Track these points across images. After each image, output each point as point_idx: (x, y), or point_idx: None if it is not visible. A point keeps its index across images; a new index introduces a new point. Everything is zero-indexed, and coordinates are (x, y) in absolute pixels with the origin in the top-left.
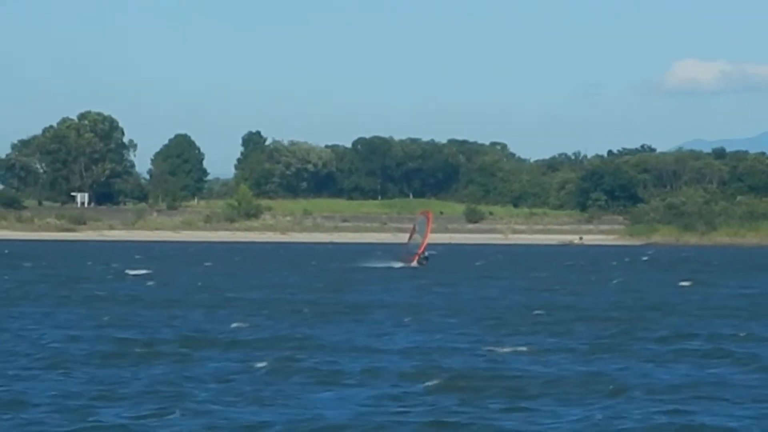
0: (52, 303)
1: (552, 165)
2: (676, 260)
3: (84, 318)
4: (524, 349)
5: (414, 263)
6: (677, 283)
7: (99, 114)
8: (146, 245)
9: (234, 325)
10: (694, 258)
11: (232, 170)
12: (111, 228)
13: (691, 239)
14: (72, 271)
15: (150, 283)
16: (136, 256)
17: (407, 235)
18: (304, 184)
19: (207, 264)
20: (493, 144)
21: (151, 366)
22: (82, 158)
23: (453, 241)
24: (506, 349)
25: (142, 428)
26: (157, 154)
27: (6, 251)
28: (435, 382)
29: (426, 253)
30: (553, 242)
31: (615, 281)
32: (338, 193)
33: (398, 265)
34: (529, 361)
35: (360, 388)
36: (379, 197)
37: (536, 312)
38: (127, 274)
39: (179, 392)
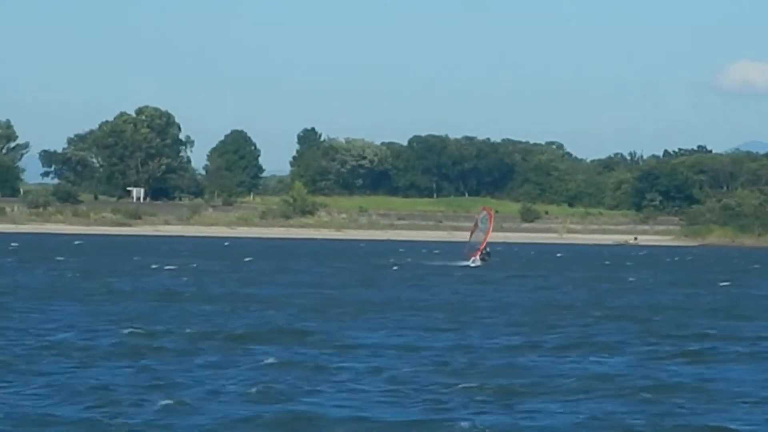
0: (68, 297)
1: (608, 165)
2: (720, 261)
3: (90, 312)
4: (522, 345)
5: (477, 259)
6: (718, 283)
7: (156, 109)
8: (198, 240)
9: (247, 320)
10: (745, 258)
11: (288, 167)
12: (166, 223)
13: (747, 241)
14: (106, 265)
15: (185, 278)
16: (183, 251)
17: (461, 233)
18: (360, 181)
19: (247, 259)
20: (549, 143)
21: (154, 360)
22: (138, 153)
23: (508, 240)
24: (513, 346)
25: (147, 425)
26: (213, 149)
27: (51, 245)
28: (437, 379)
29: (488, 249)
30: (608, 242)
31: (651, 281)
32: (394, 191)
33: (463, 263)
34: (528, 359)
35: (361, 384)
36: (435, 195)
37: (561, 311)
38: (161, 269)
39: (180, 386)
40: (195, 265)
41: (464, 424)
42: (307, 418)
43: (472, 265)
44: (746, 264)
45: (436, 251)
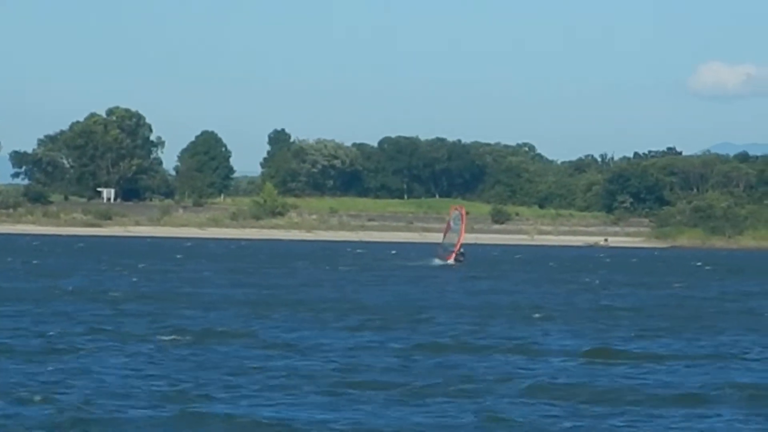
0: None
1: (579, 166)
2: (680, 262)
3: (23, 313)
4: (456, 345)
5: (451, 261)
6: (672, 285)
7: (126, 110)
8: (165, 241)
9: (179, 320)
10: (708, 259)
11: (259, 168)
12: (137, 224)
13: (717, 243)
14: (54, 266)
15: (134, 279)
16: (130, 251)
17: (431, 234)
18: (331, 182)
19: (202, 260)
20: (520, 145)
21: (73, 359)
22: (109, 154)
23: (478, 242)
24: (446, 347)
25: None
26: (184, 150)
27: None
28: (356, 378)
29: (462, 249)
30: (579, 244)
31: (597, 282)
32: (364, 192)
33: (437, 262)
34: (457, 359)
35: (280, 383)
36: (406, 197)
37: (502, 312)
38: (111, 269)
39: (97, 385)
40: (142, 265)
41: (359, 424)
42: (208, 417)
43: (450, 263)
44: (705, 265)
45: (393, 251)
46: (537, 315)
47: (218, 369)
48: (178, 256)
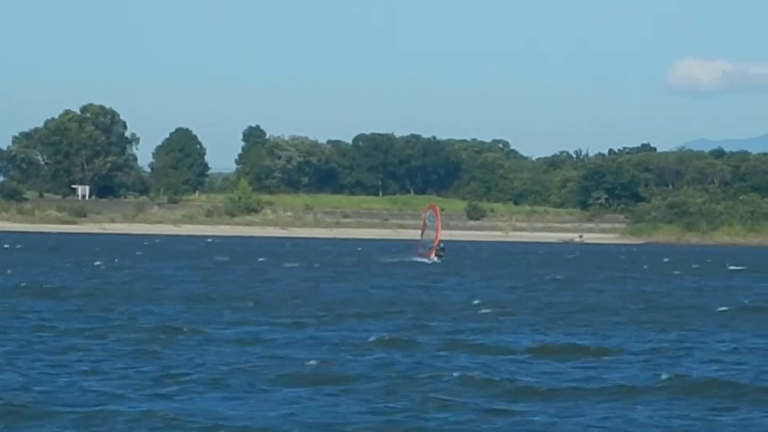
0: None
1: (554, 163)
2: (645, 256)
3: None
4: (401, 340)
5: (433, 257)
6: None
7: (101, 107)
8: (134, 238)
9: (121, 317)
10: (678, 255)
11: (234, 165)
12: (112, 221)
13: (693, 239)
14: (17, 263)
15: (90, 275)
16: (96, 248)
17: (406, 231)
18: (306, 179)
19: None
20: (495, 141)
21: None
22: (83, 151)
23: (453, 238)
24: (391, 342)
25: None
26: (159, 147)
27: None
28: (293, 373)
29: (441, 245)
30: (554, 240)
31: (559, 277)
32: (339, 189)
33: (416, 259)
34: (393, 356)
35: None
36: (380, 193)
37: (447, 308)
38: (64, 267)
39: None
40: (99, 263)
41: (286, 417)
42: (129, 413)
43: (429, 262)
44: (675, 261)
45: (359, 248)
46: (490, 311)
47: (154, 364)
48: (138, 253)
